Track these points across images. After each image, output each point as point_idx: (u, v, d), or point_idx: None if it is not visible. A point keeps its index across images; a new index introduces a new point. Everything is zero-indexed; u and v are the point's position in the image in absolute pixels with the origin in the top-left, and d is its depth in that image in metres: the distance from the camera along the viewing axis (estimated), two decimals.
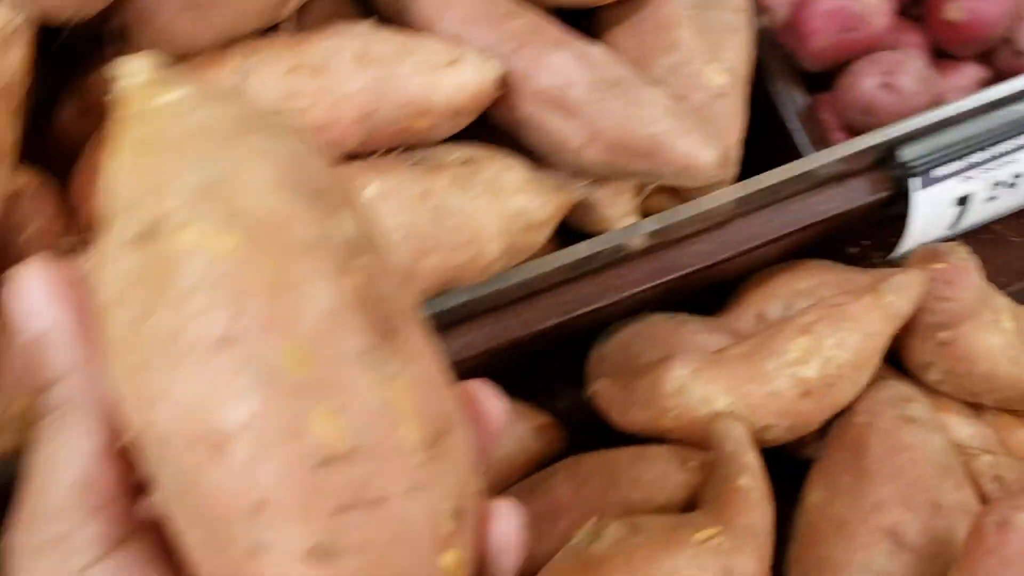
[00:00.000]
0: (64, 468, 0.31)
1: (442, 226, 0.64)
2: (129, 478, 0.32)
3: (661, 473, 0.68)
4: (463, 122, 0.66)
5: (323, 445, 0.29)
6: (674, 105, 0.68)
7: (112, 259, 0.31)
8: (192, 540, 0.30)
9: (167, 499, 0.30)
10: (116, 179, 0.32)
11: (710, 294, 0.82)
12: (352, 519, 0.29)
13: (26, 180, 0.63)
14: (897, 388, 0.71)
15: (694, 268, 0.75)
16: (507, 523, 0.34)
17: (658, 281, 0.74)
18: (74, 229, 0.65)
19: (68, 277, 0.32)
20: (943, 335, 0.71)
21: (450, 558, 0.31)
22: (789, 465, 0.71)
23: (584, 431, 0.77)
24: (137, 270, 0.30)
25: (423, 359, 0.32)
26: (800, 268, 0.81)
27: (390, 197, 0.64)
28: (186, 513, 0.30)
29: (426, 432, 0.31)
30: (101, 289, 0.31)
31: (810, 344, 0.68)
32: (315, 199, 0.31)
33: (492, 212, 0.66)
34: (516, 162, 0.68)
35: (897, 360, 0.77)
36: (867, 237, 0.87)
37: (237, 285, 0.29)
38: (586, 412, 0.83)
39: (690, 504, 0.67)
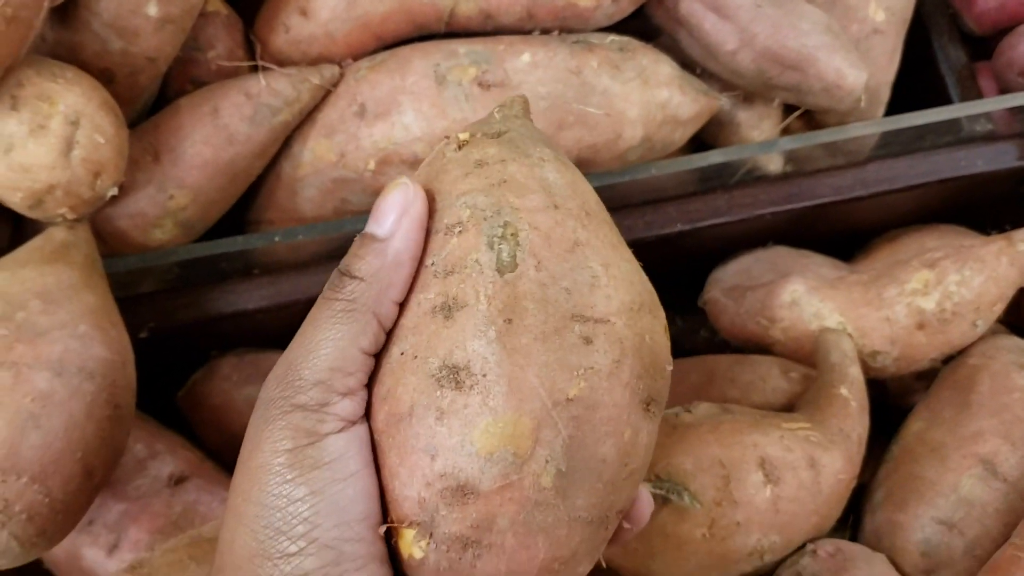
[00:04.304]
0: (334, 351, 0.37)
1: (587, 102, 0.67)
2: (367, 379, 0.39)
3: (761, 376, 0.69)
4: (624, 8, 0.68)
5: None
6: (830, 23, 0.69)
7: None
8: None
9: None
10: None
11: (840, 246, 0.83)
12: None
13: (219, 7, 0.70)
14: (1016, 340, 0.70)
15: (827, 199, 0.75)
16: (644, 505, 0.42)
17: (789, 206, 0.75)
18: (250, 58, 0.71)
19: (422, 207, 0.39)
20: None
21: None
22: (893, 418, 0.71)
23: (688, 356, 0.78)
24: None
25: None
26: (935, 229, 0.80)
27: (542, 67, 0.67)
28: None
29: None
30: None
31: (932, 277, 0.67)
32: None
33: (637, 98, 0.68)
34: (668, 58, 0.70)
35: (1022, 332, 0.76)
36: (1010, 219, 0.85)
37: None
38: (692, 338, 0.85)
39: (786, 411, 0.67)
